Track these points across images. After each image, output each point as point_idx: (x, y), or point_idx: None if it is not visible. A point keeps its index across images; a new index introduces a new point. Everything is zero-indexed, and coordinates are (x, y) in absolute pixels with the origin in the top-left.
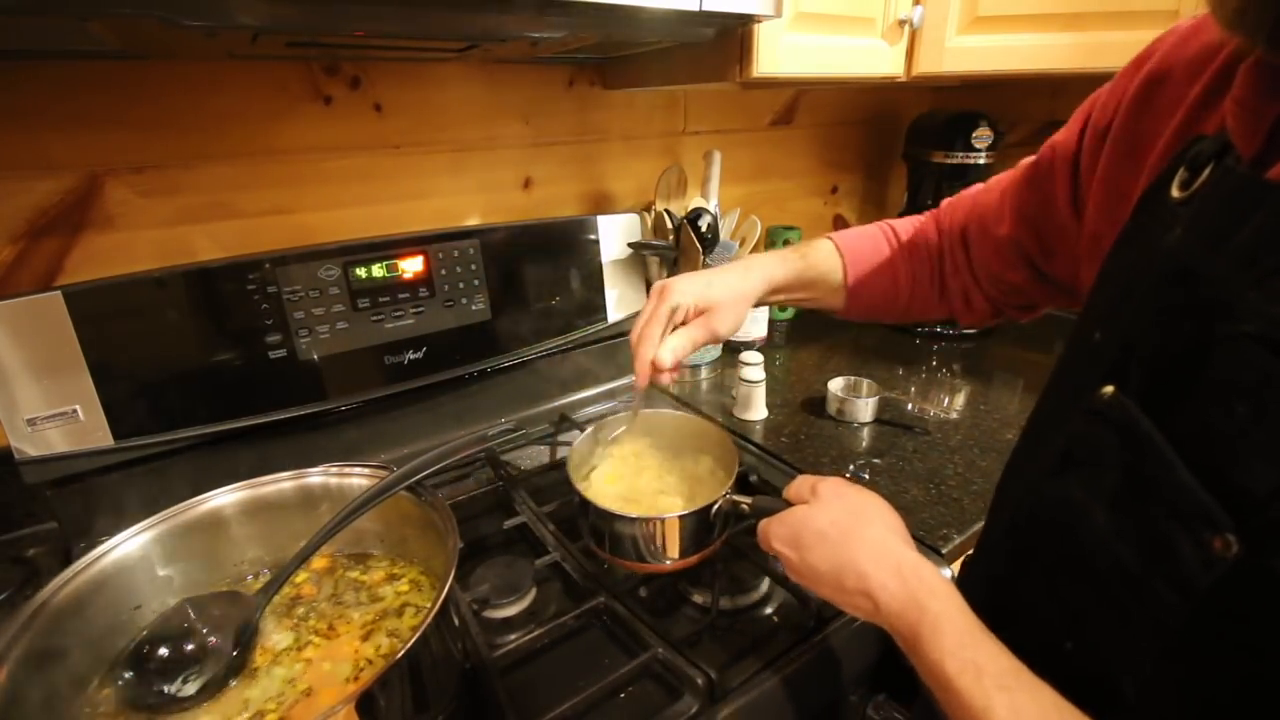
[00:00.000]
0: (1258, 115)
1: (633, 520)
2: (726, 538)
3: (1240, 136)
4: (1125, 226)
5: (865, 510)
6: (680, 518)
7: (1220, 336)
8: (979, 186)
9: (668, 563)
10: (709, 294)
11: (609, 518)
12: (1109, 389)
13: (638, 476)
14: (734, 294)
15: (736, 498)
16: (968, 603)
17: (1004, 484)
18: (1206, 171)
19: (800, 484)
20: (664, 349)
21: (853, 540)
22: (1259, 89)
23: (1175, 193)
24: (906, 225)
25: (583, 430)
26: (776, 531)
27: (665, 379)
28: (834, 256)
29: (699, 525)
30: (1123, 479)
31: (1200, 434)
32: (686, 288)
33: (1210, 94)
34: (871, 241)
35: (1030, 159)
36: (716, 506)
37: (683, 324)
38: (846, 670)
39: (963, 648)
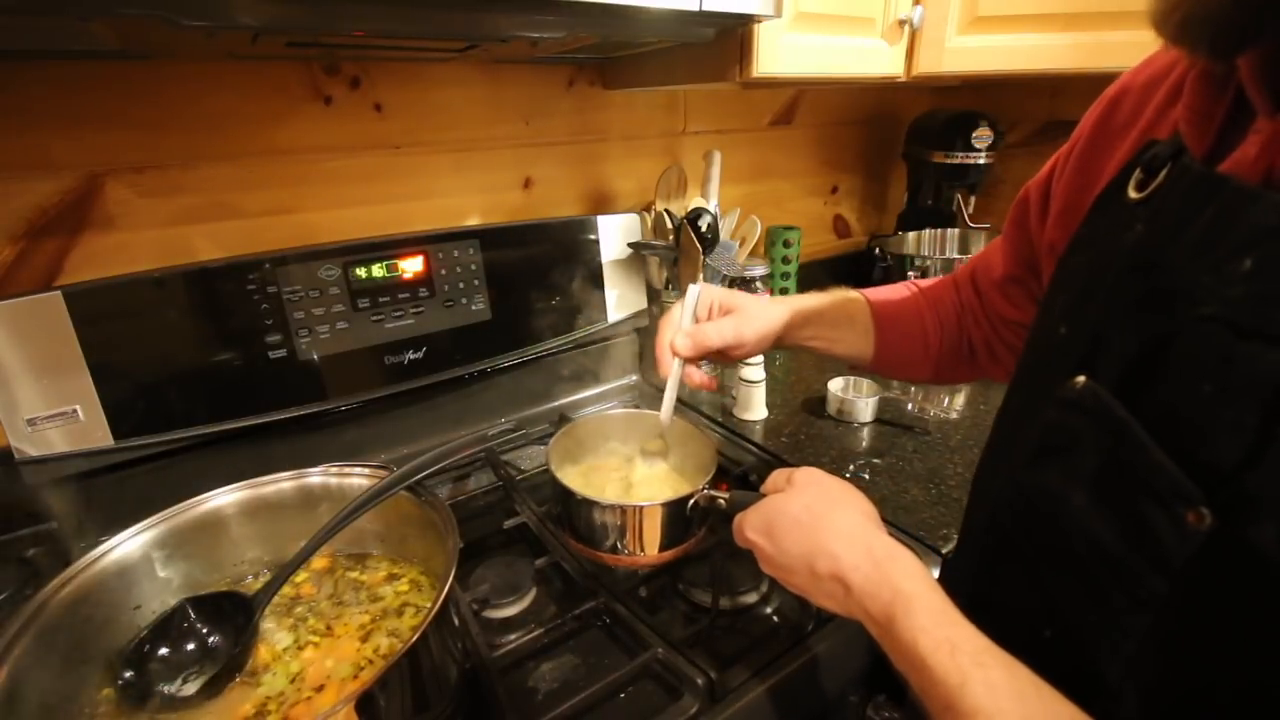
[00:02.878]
0: (1207, 118)
1: (609, 508)
2: (703, 534)
3: (1192, 139)
4: (1080, 229)
5: (838, 496)
6: (655, 507)
7: (1183, 321)
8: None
9: (642, 556)
10: (735, 298)
11: (585, 505)
12: (1080, 378)
13: (618, 474)
14: (761, 307)
15: (713, 492)
16: (949, 598)
17: (979, 480)
18: (1163, 173)
19: (776, 475)
20: (680, 335)
21: (825, 525)
22: (1207, 94)
23: (1132, 194)
24: (928, 280)
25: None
26: (751, 521)
27: (697, 379)
28: (860, 300)
29: (675, 518)
30: (1099, 463)
31: (1170, 414)
32: (715, 288)
33: (1165, 107)
34: (896, 291)
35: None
36: (693, 500)
37: (709, 321)
38: (846, 670)
39: (937, 625)
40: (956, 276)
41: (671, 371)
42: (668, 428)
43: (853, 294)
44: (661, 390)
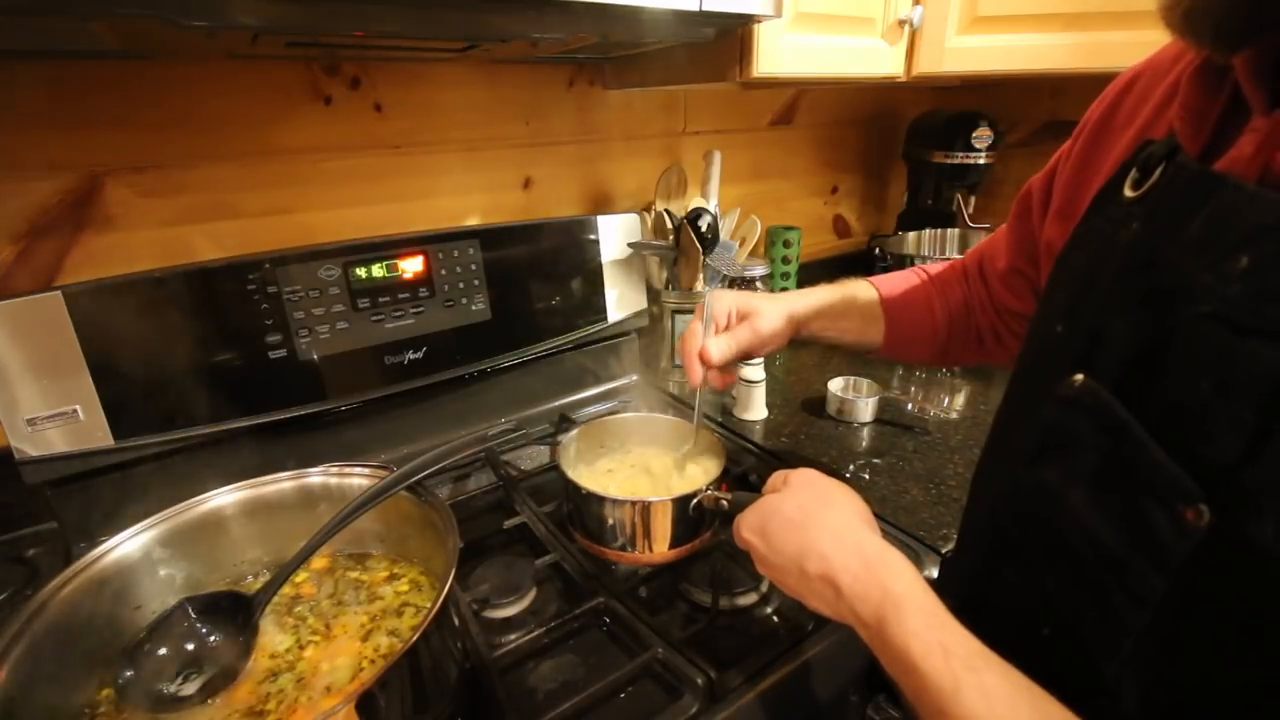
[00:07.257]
0: (1202, 116)
1: (613, 503)
2: (709, 536)
3: (1187, 137)
4: (1077, 228)
5: (832, 497)
6: (659, 503)
7: (1181, 319)
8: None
9: (648, 554)
10: (750, 301)
11: (590, 499)
12: (1079, 377)
13: (627, 472)
14: (774, 303)
15: (717, 493)
16: (946, 598)
17: (978, 479)
18: (1159, 171)
19: (774, 477)
20: (709, 344)
21: (816, 524)
22: (1202, 93)
23: (1129, 192)
24: (937, 265)
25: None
26: (748, 521)
27: (716, 380)
28: (869, 288)
29: (679, 516)
30: (1098, 462)
31: (1168, 412)
32: (727, 294)
33: (1161, 106)
34: (904, 277)
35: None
36: (696, 500)
37: (727, 329)
38: (846, 670)
39: (929, 629)
40: (965, 264)
41: (699, 379)
42: (697, 431)
43: (862, 284)
44: (682, 397)
